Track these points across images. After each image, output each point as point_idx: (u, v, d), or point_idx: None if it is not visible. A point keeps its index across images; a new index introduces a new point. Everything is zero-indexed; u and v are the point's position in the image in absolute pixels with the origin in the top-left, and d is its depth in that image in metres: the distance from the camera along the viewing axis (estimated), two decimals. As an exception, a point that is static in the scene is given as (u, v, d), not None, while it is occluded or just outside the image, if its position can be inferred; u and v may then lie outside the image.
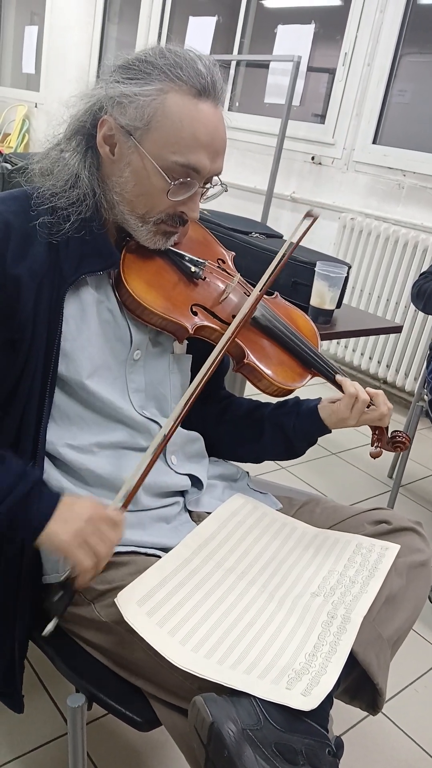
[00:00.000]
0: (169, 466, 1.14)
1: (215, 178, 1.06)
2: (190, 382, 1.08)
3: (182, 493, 1.19)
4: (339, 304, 1.85)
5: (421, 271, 2.36)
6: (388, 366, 3.59)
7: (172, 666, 0.87)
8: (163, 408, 1.15)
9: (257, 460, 1.33)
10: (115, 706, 0.97)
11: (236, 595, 1.00)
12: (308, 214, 1.18)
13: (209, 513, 1.17)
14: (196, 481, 1.21)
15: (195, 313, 1.11)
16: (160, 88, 0.97)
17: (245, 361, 1.15)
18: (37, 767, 1.38)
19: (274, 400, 1.23)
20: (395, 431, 1.24)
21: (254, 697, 0.83)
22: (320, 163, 3.92)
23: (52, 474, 1.08)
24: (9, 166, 2.33)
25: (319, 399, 1.23)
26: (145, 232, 1.06)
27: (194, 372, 1.18)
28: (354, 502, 2.59)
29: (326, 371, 1.21)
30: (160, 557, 1.03)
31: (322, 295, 1.77)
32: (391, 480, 2.78)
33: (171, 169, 0.99)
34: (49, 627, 0.97)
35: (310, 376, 1.22)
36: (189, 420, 1.05)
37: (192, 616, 0.94)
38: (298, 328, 1.25)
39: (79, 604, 1.03)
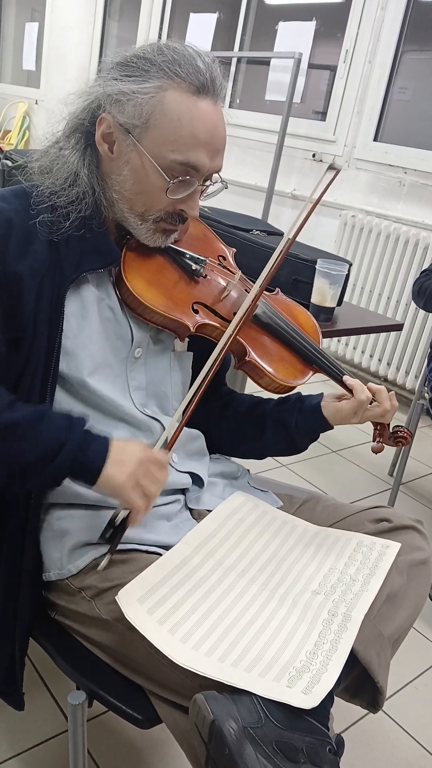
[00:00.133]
0: (170, 463, 1.14)
1: (215, 175, 1.06)
2: (192, 380, 1.08)
3: (183, 491, 1.19)
4: (340, 302, 1.85)
5: (422, 269, 2.36)
6: (388, 364, 3.59)
7: (173, 664, 0.87)
8: (164, 406, 1.15)
9: (259, 457, 1.33)
10: (115, 704, 0.97)
11: (237, 593, 1.00)
12: (331, 167, 1.17)
13: (210, 511, 1.17)
14: (196, 479, 1.20)
15: (196, 311, 1.11)
16: (159, 85, 0.97)
17: (247, 358, 1.15)
18: (37, 764, 1.38)
19: (275, 396, 1.23)
20: (397, 426, 1.24)
21: (255, 695, 0.83)
22: (321, 161, 3.91)
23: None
24: (9, 162, 2.33)
25: (321, 395, 1.23)
26: (144, 230, 1.05)
27: (195, 370, 1.18)
28: (354, 500, 2.59)
29: (329, 369, 1.21)
30: (160, 555, 1.03)
31: (322, 293, 1.77)
32: (392, 478, 2.78)
33: (170, 168, 0.99)
34: (103, 563, 1.00)
35: (311, 373, 1.22)
36: (191, 417, 1.05)
37: (193, 614, 0.94)
38: (300, 325, 1.25)
39: (79, 602, 1.03)
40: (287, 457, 2.74)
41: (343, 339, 3.76)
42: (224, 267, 1.21)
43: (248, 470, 1.35)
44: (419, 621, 1.95)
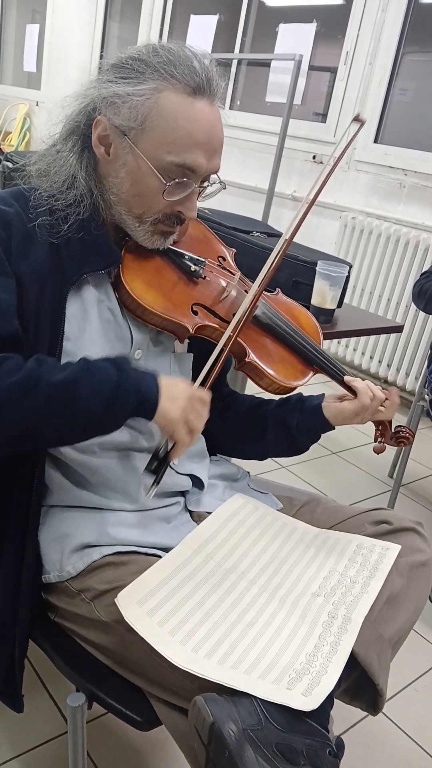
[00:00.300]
0: (170, 466, 1.14)
1: (213, 176, 1.05)
2: (193, 380, 1.08)
3: (183, 493, 1.19)
4: (340, 304, 1.85)
5: (422, 271, 2.36)
6: (388, 365, 3.59)
7: (173, 666, 0.87)
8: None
9: (261, 457, 1.33)
10: (115, 706, 0.97)
11: (237, 595, 1.00)
12: (356, 119, 1.15)
13: (210, 513, 1.17)
14: (196, 481, 1.20)
15: (195, 313, 1.10)
16: (154, 87, 0.96)
17: (246, 359, 1.14)
18: (37, 766, 1.38)
19: (276, 397, 1.23)
20: (398, 426, 1.24)
21: (255, 697, 0.83)
22: (321, 162, 3.91)
23: (53, 474, 1.08)
24: (10, 164, 2.33)
25: (322, 395, 1.23)
26: (142, 232, 1.05)
27: (196, 371, 1.18)
28: (354, 501, 2.58)
29: (330, 369, 1.21)
30: (160, 557, 1.03)
31: (323, 295, 1.77)
32: (392, 479, 2.77)
33: (166, 169, 0.99)
34: (151, 493, 1.03)
35: (312, 374, 1.22)
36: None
37: (192, 616, 0.94)
38: (300, 325, 1.25)
39: (78, 604, 1.03)
40: (287, 459, 2.75)
41: (344, 340, 3.76)
42: (224, 268, 1.21)
43: (248, 472, 1.35)
44: (419, 623, 1.95)
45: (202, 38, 4.52)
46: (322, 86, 4.04)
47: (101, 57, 1.06)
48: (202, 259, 1.14)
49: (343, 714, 1.51)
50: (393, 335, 3.52)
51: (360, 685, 1.02)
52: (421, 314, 3.38)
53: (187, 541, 1.07)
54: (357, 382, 1.19)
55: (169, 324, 1.08)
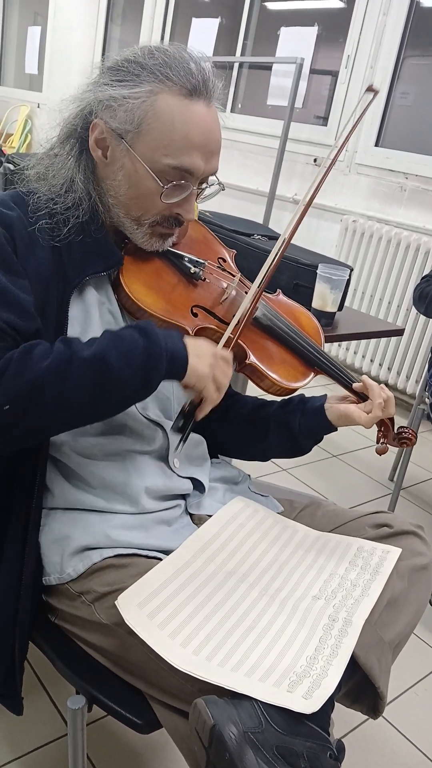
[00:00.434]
0: (171, 469, 1.14)
1: (211, 177, 1.05)
2: None
3: (183, 497, 1.19)
4: (341, 307, 1.85)
5: (423, 274, 2.36)
6: (389, 369, 3.59)
7: (173, 668, 0.87)
8: (167, 409, 1.15)
9: (263, 458, 1.33)
10: (115, 708, 0.97)
11: (237, 598, 1.00)
12: (370, 89, 1.14)
13: (210, 516, 1.17)
14: (197, 485, 1.20)
15: (195, 315, 1.10)
16: (150, 89, 0.96)
17: (247, 361, 1.14)
18: (36, 768, 1.38)
19: (278, 398, 1.23)
20: (401, 427, 1.24)
21: (255, 699, 0.83)
22: (323, 160, 3.91)
23: (54, 476, 1.08)
24: (11, 166, 2.33)
25: (324, 396, 1.23)
26: (141, 234, 1.05)
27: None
28: (355, 504, 2.58)
29: (331, 370, 1.21)
30: (161, 560, 1.03)
31: (323, 298, 1.77)
32: (392, 483, 2.77)
33: (164, 172, 0.99)
34: (179, 450, 1.07)
35: (313, 375, 1.22)
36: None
37: (193, 619, 0.94)
38: (301, 326, 1.25)
39: (79, 606, 1.03)
40: (288, 462, 2.75)
41: (344, 344, 3.77)
42: (224, 270, 1.21)
43: (249, 475, 1.35)
44: (420, 626, 1.95)
45: (203, 41, 4.52)
46: (324, 89, 4.04)
47: (102, 59, 1.06)
48: (202, 261, 1.14)
49: (344, 717, 1.50)
50: (394, 338, 3.52)
51: (360, 688, 1.02)
52: (422, 317, 3.38)
53: (187, 544, 1.07)
54: (370, 383, 1.19)
55: (169, 326, 1.07)
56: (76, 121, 1.03)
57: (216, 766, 0.79)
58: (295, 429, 1.23)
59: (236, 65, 4.51)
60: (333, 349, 3.82)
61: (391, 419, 1.23)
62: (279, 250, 1.11)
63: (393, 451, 2.71)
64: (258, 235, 2.00)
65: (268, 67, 4.22)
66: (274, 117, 4.14)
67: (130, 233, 1.06)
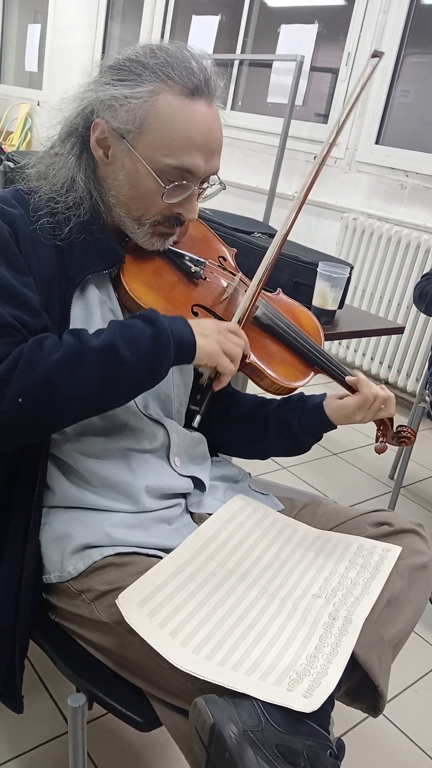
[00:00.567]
0: (172, 468, 1.14)
1: (213, 176, 1.05)
2: (194, 379, 1.08)
3: (184, 495, 1.19)
4: (341, 305, 1.85)
5: (423, 273, 2.36)
6: (389, 367, 3.59)
7: (173, 667, 0.87)
8: (167, 407, 1.15)
9: (263, 457, 1.33)
10: (115, 706, 0.97)
11: (237, 597, 1.00)
12: (375, 54, 1.13)
13: (211, 514, 1.17)
14: (198, 483, 1.20)
15: (196, 314, 1.10)
16: (151, 89, 0.96)
17: (247, 360, 1.14)
18: (37, 766, 1.38)
19: (277, 397, 1.23)
20: (400, 426, 1.24)
21: (255, 698, 0.83)
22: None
23: (54, 475, 1.08)
24: (11, 164, 2.33)
25: (324, 395, 1.23)
26: (141, 233, 1.05)
27: (197, 370, 1.17)
28: (355, 503, 2.58)
29: (331, 369, 1.21)
30: (161, 558, 1.03)
31: (324, 296, 1.77)
32: (393, 481, 2.77)
33: (165, 172, 0.99)
34: (196, 422, 1.07)
35: (312, 374, 1.22)
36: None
37: (193, 618, 0.94)
38: (301, 325, 1.24)
39: (79, 604, 1.03)
40: (288, 460, 2.75)
41: (344, 342, 3.77)
42: (224, 268, 1.21)
43: (249, 474, 1.35)
44: (420, 624, 1.94)
45: (203, 39, 4.52)
46: (324, 87, 4.04)
47: (102, 57, 1.05)
48: (203, 260, 1.14)
49: (344, 716, 1.51)
50: (394, 336, 3.52)
51: (360, 686, 1.02)
52: (422, 316, 3.38)
53: (188, 542, 1.07)
54: (357, 376, 1.20)
55: None
56: (77, 121, 1.02)
57: (216, 764, 0.79)
58: (295, 427, 1.23)
59: (236, 63, 4.50)
60: (333, 347, 3.82)
61: (390, 418, 1.23)
62: (277, 246, 1.11)
63: (393, 449, 2.72)
64: (258, 232, 2.00)
65: (268, 65, 4.22)
66: (274, 115, 4.13)
67: (131, 232, 1.06)
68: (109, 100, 0.97)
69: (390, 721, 1.63)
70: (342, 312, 1.94)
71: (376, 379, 3.68)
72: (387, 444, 1.23)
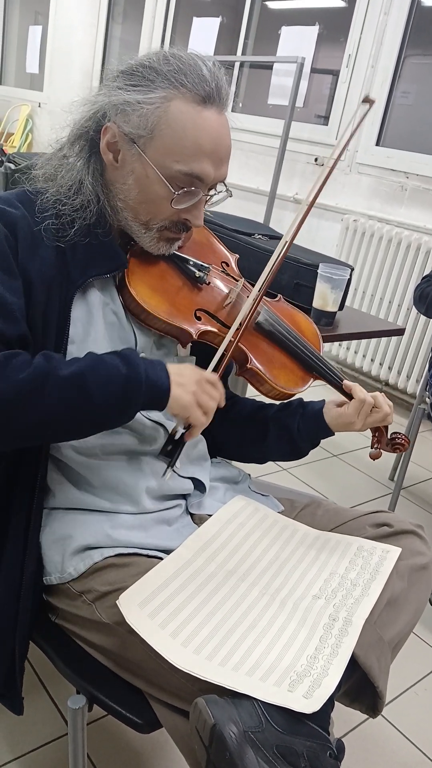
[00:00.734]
0: (172, 469, 1.14)
1: (220, 184, 1.06)
2: None
3: (184, 496, 1.19)
4: (341, 306, 1.85)
5: (424, 274, 2.36)
6: (389, 368, 3.59)
7: (174, 668, 0.87)
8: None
9: (262, 461, 1.33)
10: (115, 708, 0.97)
11: (238, 598, 1.00)
12: (366, 100, 1.12)
13: (211, 515, 1.17)
14: (198, 484, 1.21)
15: (199, 318, 1.11)
16: (164, 95, 0.96)
17: (248, 365, 1.15)
18: None
19: (276, 402, 1.23)
20: (394, 433, 1.24)
21: (256, 699, 0.83)
22: (323, 165, 3.91)
23: (55, 476, 1.09)
24: (12, 165, 2.33)
25: (323, 401, 1.23)
26: (148, 238, 1.06)
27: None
28: (355, 504, 2.59)
29: (329, 376, 1.21)
30: (161, 559, 1.03)
31: (324, 297, 1.77)
32: (393, 482, 2.77)
33: (174, 178, 0.99)
34: (167, 475, 1.04)
35: (312, 380, 1.22)
36: None
37: (194, 618, 0.94)
38: (301, 332, 1.25)
39: (80, 606, 1.03)
40: (288, 462, 2.75)
41: (345, 343, 3.77)
42: (227, 274, 1.21)
43: (249, 475, 1.35)
44: (419, 626, 1.95)
45: (204, 40, 4.53)
46: (324, 89, 4.04)
47: (104, 59, 1.06)
48: (207, 265, 1.14)
49: (343, 717, 1.51)
50: (394, 338, 3.52)
51: (360, 687, 1.03)
52: (422, 317, 3.38)
53: (188, 543, 1.08)
54: (353, 384, 1.20)
55: (173, 329, 1.08)
56: (88, 124, 1.03)
57: (216, 765, 0.79)
58: (294, 431, 1.23)
59: (237, 64, 4.51)
60: (333, 349, 3.83)
61: (386, 426, 1.24)
62: (280, 254, 1.11)
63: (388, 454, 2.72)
64: (259, 234, 2.00)
65: (269, 67, 4.22)
66: (274, 116, 4.14)
67: (138, 237, 1.06)
68: (121, 104, 0.98)
69: (390, 722, 1.63)
70: (342, 313, 1.94)
71: (376, 380, 3.68)
72: (381, 450, 1.23)
